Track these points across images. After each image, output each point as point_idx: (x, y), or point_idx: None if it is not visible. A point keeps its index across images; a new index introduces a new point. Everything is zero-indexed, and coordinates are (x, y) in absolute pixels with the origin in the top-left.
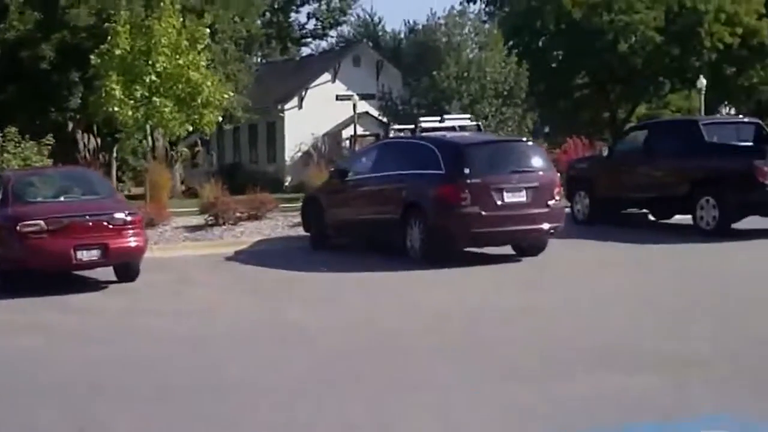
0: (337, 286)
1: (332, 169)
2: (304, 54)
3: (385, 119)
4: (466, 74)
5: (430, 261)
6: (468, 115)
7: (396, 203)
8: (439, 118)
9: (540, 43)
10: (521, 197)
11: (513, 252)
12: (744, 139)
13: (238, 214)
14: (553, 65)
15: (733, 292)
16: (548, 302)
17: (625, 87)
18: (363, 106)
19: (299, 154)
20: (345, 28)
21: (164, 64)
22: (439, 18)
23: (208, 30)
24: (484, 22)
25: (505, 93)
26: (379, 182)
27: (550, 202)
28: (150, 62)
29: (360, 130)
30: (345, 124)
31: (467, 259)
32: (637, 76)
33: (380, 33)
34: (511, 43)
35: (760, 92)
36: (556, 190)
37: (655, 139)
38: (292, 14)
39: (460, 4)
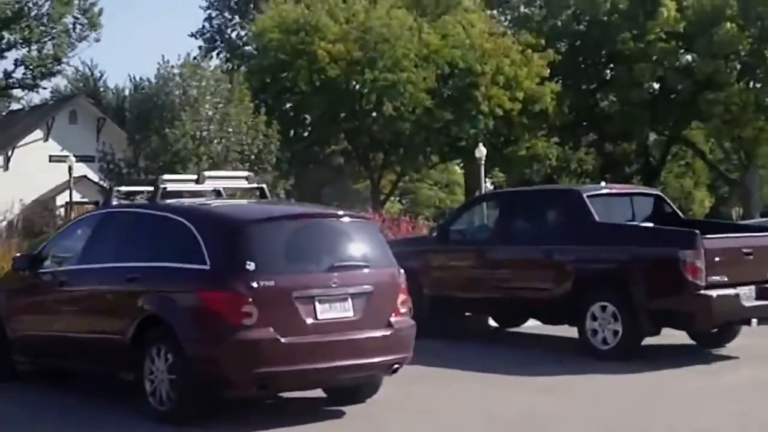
0: None
1: (17, 256)
2: (13, 109)
3: (106, 184)
4: (205, 133)
5: (183, 418)
6: (245, 173)
7: (124, 315)
8: (195, 177)
9: (290, 103)
10: (346, 311)
11: (323, 394)
12: (642, 217)
13: None
14: (307, 128)
15: None
16: None
17: (388, 155)
18: (81, 169)
19: (4, 223)
20: (61, 82)
21: None
22: (172, 66)
23: None
24: (227, 71)
25: (253, 157)
26: (96, 279)
27: (393, 318)
28: None
29: (77, 197)
30: (59, 190)
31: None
32: (404, 143)
33: (102, 89)
34: (257, 101)
35: (540, 163)
36: (401, 297)
37: (514, 216)
38: None
39: (194, 58)
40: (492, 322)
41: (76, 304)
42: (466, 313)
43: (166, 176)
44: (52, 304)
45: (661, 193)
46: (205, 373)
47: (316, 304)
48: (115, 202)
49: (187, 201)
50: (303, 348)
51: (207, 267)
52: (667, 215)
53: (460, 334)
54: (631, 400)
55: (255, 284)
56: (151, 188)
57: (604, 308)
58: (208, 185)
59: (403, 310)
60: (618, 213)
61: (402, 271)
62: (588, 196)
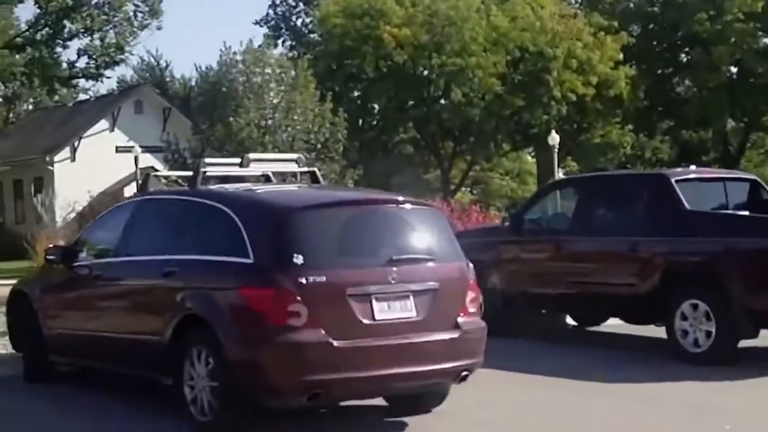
0: None
1: (49, 248)
2: (79, 99)
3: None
4: (270, 122)
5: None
6: (295, 155)
7: (161, 313)
8: (239, 160)
9: (357, 91)
10: (407, 310)
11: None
12: (737, 205)
13: None
14: (374, 117)
15: None
16: None
17: (459, 144)
18: (148, 160)
19: (72, 214)
20: (127, 72)
21: None
22: (235, 53)
23: None
24: (292, 58)
25: (319, 146)
26: (130, 273)
27: (461, 319)
28: None
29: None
30: (127, 181)
31: None
32: (474, 130)
33: (168, 79)
34: (323, 89)
35: (614, 151)
36: (470, 295)
37: (594, 204)
38: (59, 49)
39: (259, 46)
40: (570, 320)
41: (109, 301)
42: (542, 310)
43: (207, 159)
44: (84, 300)
45: (757, 179)
46: (248, 380)
47: (374, 302)
48: (152, 187)
49: (230, 187)
50: (358, 352)
51: (250, 260)
52: (764, 202)
53: (534, 333)
54: (736, 414)
55: (303, 280)
56: (191, 173)
57: (695, 306)
58: (253, 169)
59: (472, 309)
60: (710, 200)
61: (471, 265)
62: (677, 181)
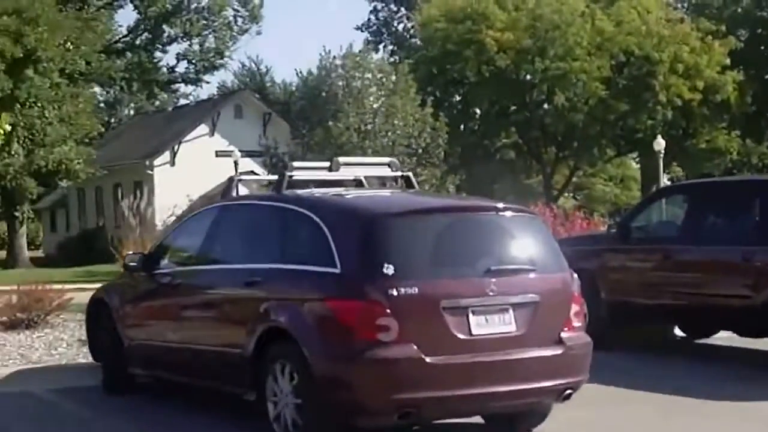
0: None
1: (128, 255)
2: (179, 104)
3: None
4: (370, 126)
5: None
6: (387, 159)
7: (244, 325)
8: (327, 164)
9: (458, 95)
10: (506, 324)
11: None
12: None
13: None
14: (475, 122)
15: None
16: None
17: (561, 149)
18: (247, 164)
19: (172, 218)
20: (228, 77)
21: None
22: (334, 58)
23: None
24: (393, 63)
25: (420, 151)
26: (211, 282)
27: (565, 334)
28: None
29: (243, 192)
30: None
31: None
32: (577, 135)
33: (269, 83)
34: (423, 94)
35: (720, 157)
36: (575, 308)
37: (707, 211)
38: (158, 53)
39: (360, 51)
40: (678, 332)
41: (189, 311)
42: (650, 322)
43: (295, 163)
44: (164, 310)
45: None
46: (335, 398)
47: (470, 316)
48: (235, 191)
49: (317, 191)
50: (453, 369)
51: (337, 270)
52: None
53: (641, 345)
54: None
55: (394, 292)
56: (277, 177)
57: None
58: (343, 173)
59: (576, 323)
60: None
61: (576, 276)
62: None
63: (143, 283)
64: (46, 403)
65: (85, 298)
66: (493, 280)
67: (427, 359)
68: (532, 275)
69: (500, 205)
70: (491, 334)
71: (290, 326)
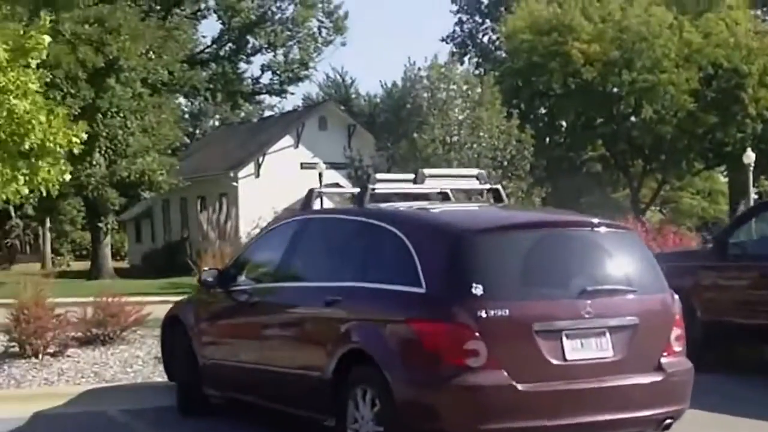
0: None
1: (205, 270)
2: (264, 116)
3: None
4: (455, 138)
5: None
6: (475, 171)
7: (323, 347)
8: (412, 176)
9: (544, 108)
10: (603, 350)
11: None
12: None
13: (68, 334)
14: (562, 134)
15: None
16: None
17: (649, 162)
18: (332, 176)
19: (256, 230)
20: (312, 89)
21: None
22: (419, 69)
23: (47, 38)
24: (478, 75)
25: (506, 163)
26: (288, 300)
27: (665, 360)
28: None
29: (328, 204)
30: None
31: None
32: (665, 148)
33: (354, 95)
34: (509, 107)
35: None
36: (676, 331)
37: None
38: (243, 64)
39: (445, 64)
40: None
41: (266, 330)
42: (747, 342)
43: (378, 175)
44: (239, 329)
45: None
46: (418, 426)
47: (564, 339)
48: (316, 204)
49: (400, 205)
50: (547, 397)
51: (422, 290)
52: None
53: (738, 367)
54: None
55: (483, 313)
56: (359, 190)
57: None
58: (429, 185)
59: (677, 348)
60: None
61: (677, 297)
62: None
63: (219, 299)
64: (117, 424)
65: (164, 312)
66: (589, 301)
67: (519, 386)
68: (630, 296)
69: (596, 220)
70: (587, 359)
71: (371, 349)
